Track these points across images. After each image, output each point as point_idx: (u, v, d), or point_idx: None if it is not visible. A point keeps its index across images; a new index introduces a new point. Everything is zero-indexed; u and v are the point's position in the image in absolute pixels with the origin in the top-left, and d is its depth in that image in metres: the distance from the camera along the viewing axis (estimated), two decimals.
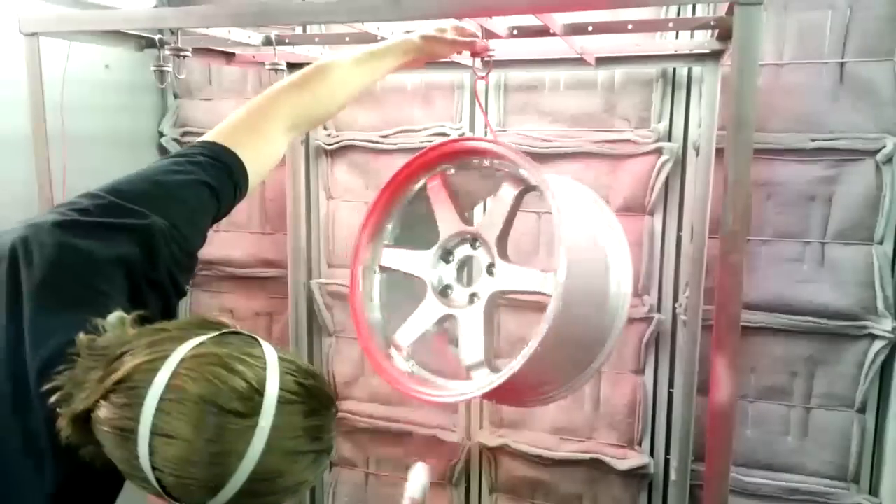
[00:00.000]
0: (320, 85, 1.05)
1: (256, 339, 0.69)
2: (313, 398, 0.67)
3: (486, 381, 1.11)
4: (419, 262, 1.27)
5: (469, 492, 1.95)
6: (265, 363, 0.66)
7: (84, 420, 0.64)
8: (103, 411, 0.63)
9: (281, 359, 0.68)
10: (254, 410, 0.62)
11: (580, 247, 1.07)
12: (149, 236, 0.79)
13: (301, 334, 2.01)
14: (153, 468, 0.62)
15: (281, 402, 0.64)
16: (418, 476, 1.23)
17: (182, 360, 0.64)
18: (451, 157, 1.27)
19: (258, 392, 0.63)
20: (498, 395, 1.21)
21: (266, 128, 0.97)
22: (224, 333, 0.69)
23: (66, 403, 0.65)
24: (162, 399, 0.62)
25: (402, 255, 1.30)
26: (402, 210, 1.33)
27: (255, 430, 0.62)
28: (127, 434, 0.62)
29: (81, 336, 0.67)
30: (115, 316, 0.69)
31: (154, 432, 0.61)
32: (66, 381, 0.65)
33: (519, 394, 1.22)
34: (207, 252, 2.05)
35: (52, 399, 0.65)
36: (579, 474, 1.78)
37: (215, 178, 0.88)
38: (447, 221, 1.25)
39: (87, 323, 0.68)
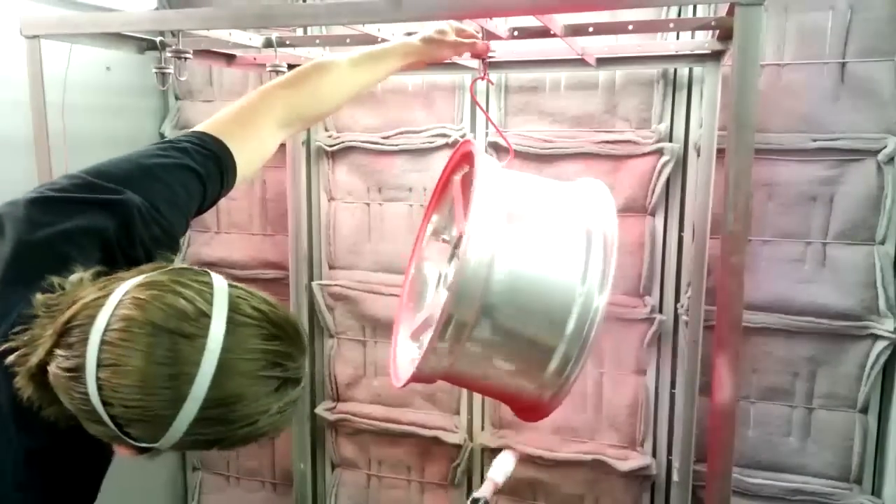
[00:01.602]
0: (316, 84, 1.05)
1: (207, 272, 0.68)
2: (271, 324, 0.66)
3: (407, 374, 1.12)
4: (442, 256, 1.29)
5: (470, 492, 1.94)
6: (213, 287, 0.65)
7: (41, 373, 0.63)
8: (55, 359, 0.62)
9: (232, 286, 0.67)
10: (201, 332, 0.61)
11: (510, 247, 1.00)
12: (124, 211, 0.77)
13: None
14: (104, 403, 0.60)
15: (232, 322, 0.63)
16: (504, 462, 1.22)
17: (126, 292, 0.63)
18: (461, 160, 1.29)
19: (205, 314, 0.62)
20: (511, 406, 1.22)
21: (257, 122, 0.97)
22: (172, 268, 0.68)
23: (24, 360, 0.64)
24: (106, 331, 0.61)
25: (436, 249, 1.33)
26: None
27: (205, 351, 0.61)
28: (76, 373, 0.61)
29: (39, 296, 0.66)
30: (75, 276, 0.68)
31: (100, 364, 0.60)
32: (24, 341, 0.65)
33: (509, 400, 1.20)
34: (208, 253, 2.06)
35: (10, 359, 0.64)
36: (581, 475, 1.78)
37: (201, 164, 0.87)
38: (458, 219, 1.27)
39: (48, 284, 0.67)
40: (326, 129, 1.93)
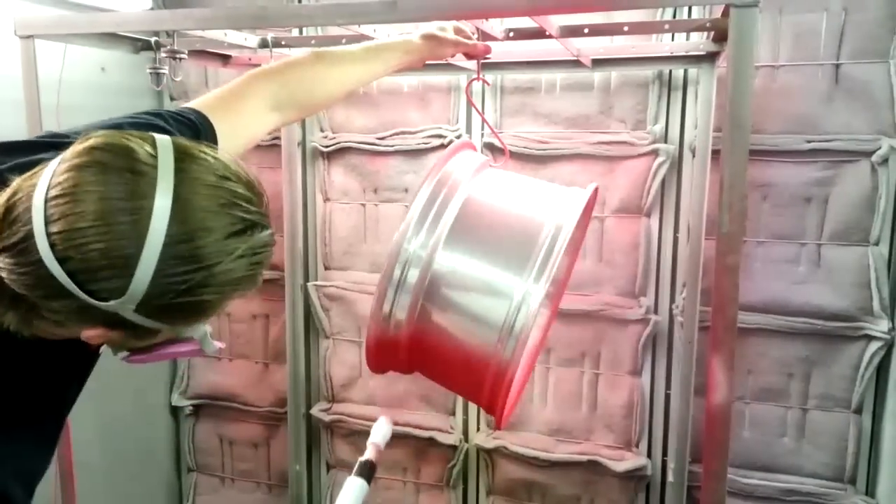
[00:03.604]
0: (309, 70, 1.05)
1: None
2: (221, 165, 0.65)
3: None
4: None
5: (466, 494, 1.95)
6: (155, 137, 0.64)
7: None
8: (2, 247, 0.60)
9: (175, 137, 0.66)
10: (151, 170, 0.60)
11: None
12: None
13: (298, 337, 2.00)
14: (61, 261, 0.57)
15: (181, 162, 0.61)
16: (381, 427, 1.29)
17: (66, 153, 0.61)
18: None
19: (152, 154, 0.61)
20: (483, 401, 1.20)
21: (243, 100, 0.97)
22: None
23: None
24: (49, 188, 0.58)
25: None
26: None
27: (157, 185, 0.59)
28: (25, 243, 0.58)
29: None
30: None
31: (49, 222, 0.57)
32: None
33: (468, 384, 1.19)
34: None
35: None
36: (576, 476, 1.78)
37: (175, 128, 0.87)
38: None
39: None
40: (322, 130, 1.93)
